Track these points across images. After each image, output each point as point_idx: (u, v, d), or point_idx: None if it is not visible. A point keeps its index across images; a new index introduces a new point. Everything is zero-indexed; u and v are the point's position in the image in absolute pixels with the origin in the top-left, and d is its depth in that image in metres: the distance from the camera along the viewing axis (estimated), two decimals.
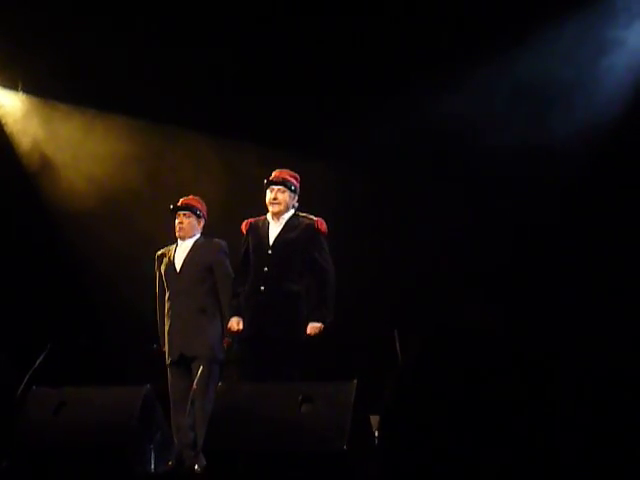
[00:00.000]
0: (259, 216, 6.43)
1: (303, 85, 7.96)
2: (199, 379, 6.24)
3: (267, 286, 6.14)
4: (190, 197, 6.85)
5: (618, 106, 7.44)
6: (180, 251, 6.74)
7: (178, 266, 6.67)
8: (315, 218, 6.35)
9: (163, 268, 6.72)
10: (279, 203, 6.27)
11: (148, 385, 5.45)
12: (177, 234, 6.75)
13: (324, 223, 6.34)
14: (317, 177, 7.53)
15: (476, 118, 7.60)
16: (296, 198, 6.36)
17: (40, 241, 8.56)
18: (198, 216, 6.77)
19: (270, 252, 6.22)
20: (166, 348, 6.61)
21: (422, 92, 7.75)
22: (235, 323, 6.16)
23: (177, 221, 6.74)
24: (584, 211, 7.43)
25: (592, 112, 7.46)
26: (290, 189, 6.29)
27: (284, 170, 6.37)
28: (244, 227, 6.39)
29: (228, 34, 8.00)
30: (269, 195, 6.29)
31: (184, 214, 6.74)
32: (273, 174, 6.35)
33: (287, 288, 6.16)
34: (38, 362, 6.17)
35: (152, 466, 5.59)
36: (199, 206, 6.80)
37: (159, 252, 6.83)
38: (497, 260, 7.54)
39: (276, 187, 6.27)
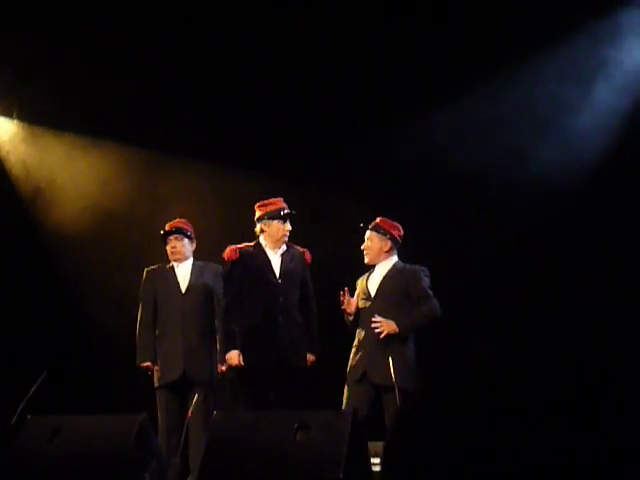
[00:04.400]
0: (239, 242, 6.44)
1: (289, 107, 8.01)
2: (196, 406, 6.23)
3: (284, 316, 6.22)
4: (177, 220, 6.87)
5: (606, 132, 7.42)
6: (181, 273, 6.75)
7: (183, 288, 6.69)
8: (301, 249, 6.44)
9: (160, 287, 6.71)
10: (287, 235, 6.36)
11: (144, 413, 5.43)
12: (171, 258, 6.78)
13: (309, 253, 6.50)
14: (303, 202, 7.52)
15: (458, 142, 7.62)
16: None
17: (31, 266, 8.55)
18: (190, 238, 6.81)
19: (280, 282, 6.24)
20: (158, 368, 6.59)
21: (406, 115, 7.79)
22: (236, 356, 6.15)
23: (170, 245, 6.78)
24: (569, 241, 7.43)
25: (579, 136, 7.46)
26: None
27: (282, 200, 6.44)
28: (234, 255, 6.33)
29: (216, 58, 8.06)
30: (284, 227, 6.33)
31: (175, 237, 6.78)
32: (281, 205, 6.38)
33: (297, 318, 6.32)
34: (32, 390, 6.14)
35: None
36: (188, 228, 6.84)
37: (150, 268, 6.85)
38: (490, 294, 7.54)
39: (288, 220, 6.35)
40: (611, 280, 7.19)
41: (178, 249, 6.78)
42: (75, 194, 8.66)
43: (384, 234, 6.43)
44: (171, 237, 6.79)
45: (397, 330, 6.19)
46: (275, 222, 6.33)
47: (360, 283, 6.52)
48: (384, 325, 6.19)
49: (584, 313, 7.12)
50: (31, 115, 8.62)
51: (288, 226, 6.34)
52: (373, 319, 6.22)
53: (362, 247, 6.46)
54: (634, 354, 6.61)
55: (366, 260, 6.46)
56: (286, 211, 6.34)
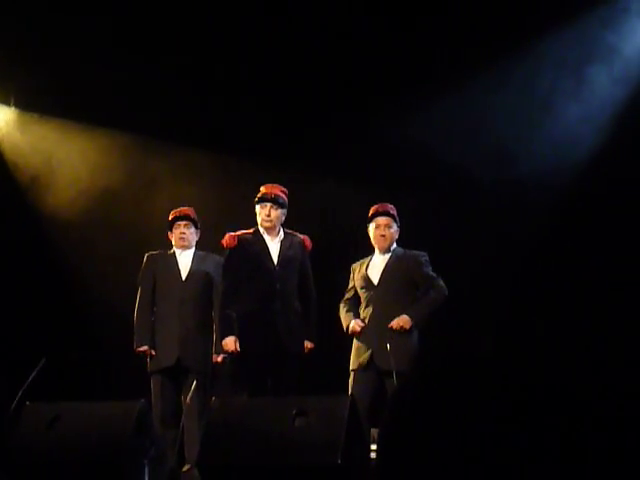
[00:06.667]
0: (235, 229, 6.42)
1: (288, 97, 8.03)
2: (193, 394, 6.25)
3: (281, 303, 6.21)
4: (186, 208, 6.89)
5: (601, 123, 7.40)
6: (183, 260, 6.78)
7: (184, 275, 6.71)
8: (301, 235, 6.43)
9: (160, 273, 6.74)
10: (271, 220, 6.29)
11: (143, 400, 5.44)
12: (179, 244, 6.79)
13: (309, 240, 6.45)
14: (301, 192, 7.53)
15: (448, 136, 7.62)
16: (285, 213, 6.40)
17: (29, 253, 8.56)
18: (197, 227, 6.84)
19: (277, 269, 6.25)
20: (154, 352, 6.60)
21: (388, 114, 7.79)
22: (232, 342, 6.16)
23: (179, 231, 6.79)
24: (557, 238, 7.44)
25: (573, 128, 7.44)
26: (282, 205, 6.32)
27: (275, 185, 6.38)
28: (232, 241, 6.32)
29: (214, 42, 8.06)
30: (261, 211, 6.31)
31: (185, 224, 6.80)
32: (263, 190, 6.36)
33: (295, 305, 6.30)
34: (31, 377, 6.15)
35: None
36: (196, 218, 6.85)
37: (151, 253, 6.86)
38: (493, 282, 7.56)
39: (268, 204, 6.30)
40: (601, 273, 7.21)
41: (187, 236, 6.80)
42: (70, 179, 8.67)
43: (397, 221, 6.44)
44: (180, 223, 6.80)
45: (411, 324, 6.20)
46: (257, 207, 6.33)
47: (358, 269, 6.48)
48: (400, 322, 6.19)
49: (578, 309, 7.15)
50: (27, 102, 8.63)
51: (266, 211, 6.24)
52: (389, 325, 6.21)
53: (382, 233, 6.37)
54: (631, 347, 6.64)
55: (384, 246, 6.38)
56: (258, 196, 6.32)
